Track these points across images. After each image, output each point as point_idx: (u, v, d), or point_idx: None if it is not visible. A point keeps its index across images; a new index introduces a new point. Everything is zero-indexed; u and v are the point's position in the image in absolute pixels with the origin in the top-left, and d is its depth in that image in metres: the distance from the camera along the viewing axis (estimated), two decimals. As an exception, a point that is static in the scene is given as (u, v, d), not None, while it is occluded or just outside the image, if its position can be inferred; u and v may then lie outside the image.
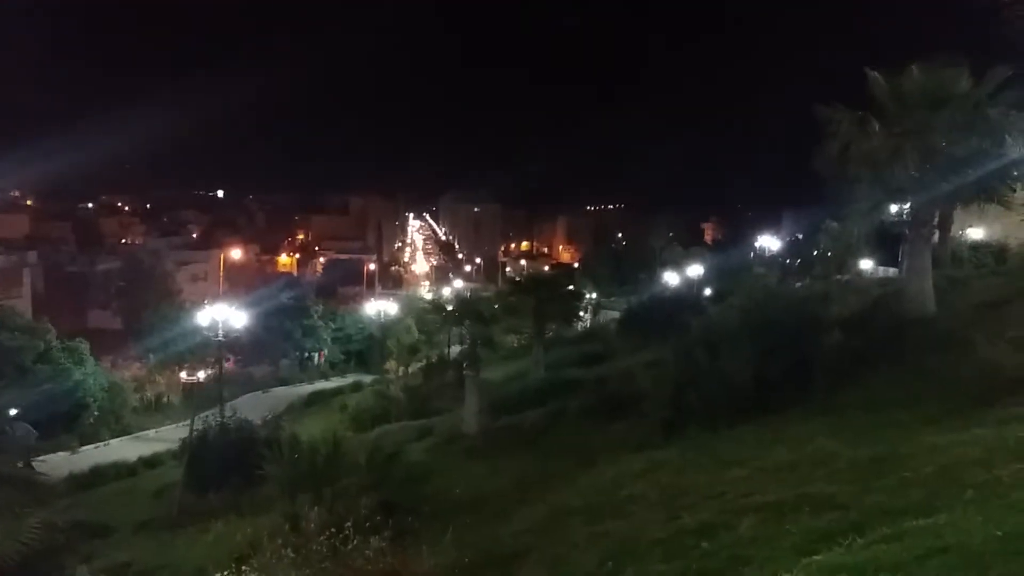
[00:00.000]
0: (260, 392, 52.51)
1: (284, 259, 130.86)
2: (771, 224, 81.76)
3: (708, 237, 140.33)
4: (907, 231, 18.99)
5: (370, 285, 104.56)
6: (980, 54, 17.56)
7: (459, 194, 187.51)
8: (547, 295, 38.06)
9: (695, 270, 58.07)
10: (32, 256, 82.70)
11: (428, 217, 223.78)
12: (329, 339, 64.27)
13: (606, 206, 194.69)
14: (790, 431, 12.39)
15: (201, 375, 53.21)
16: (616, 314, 58.02)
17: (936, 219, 20.07)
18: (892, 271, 34.22)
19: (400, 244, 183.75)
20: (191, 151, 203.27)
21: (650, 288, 59.65)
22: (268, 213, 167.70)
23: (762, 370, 15.09)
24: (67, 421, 40.48)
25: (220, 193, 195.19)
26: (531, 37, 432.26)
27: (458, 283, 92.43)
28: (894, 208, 20.30)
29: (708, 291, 51.11)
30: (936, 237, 21.37)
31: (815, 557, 6.02)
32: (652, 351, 27.79)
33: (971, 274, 26.50)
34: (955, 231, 30.39)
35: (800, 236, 64.98)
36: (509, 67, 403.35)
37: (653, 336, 31.82)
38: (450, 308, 30.86)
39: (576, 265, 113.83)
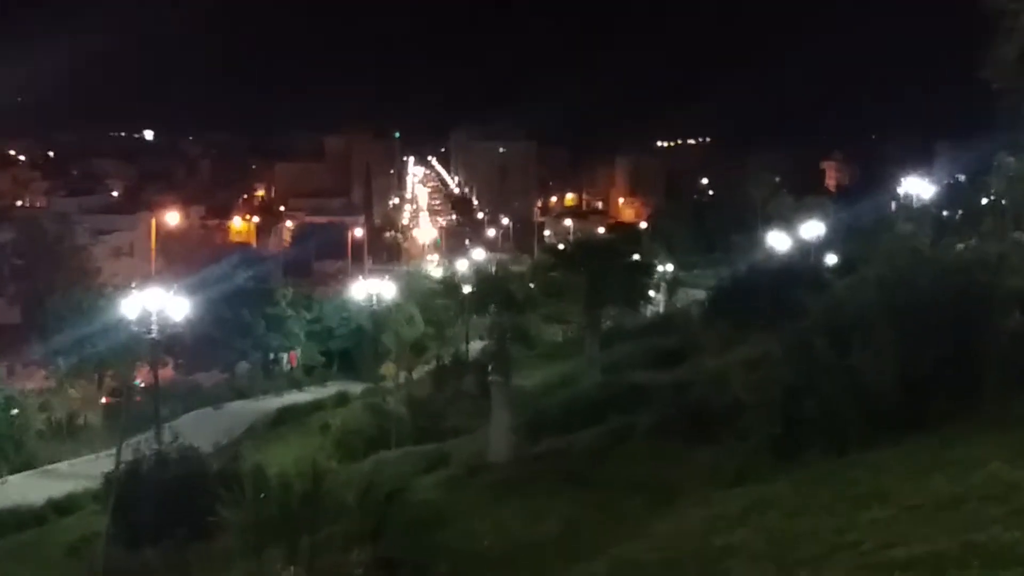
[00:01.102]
0: (210, 408, 53.29)
1: (238, 224, 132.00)
2: (920, 162, 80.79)
3: (831, 182, 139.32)
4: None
5: (357, 258, 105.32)
6: None
7: (477, 129, 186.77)
8: (603, 269, 37.99)
9: (812, 229, 57.53)
10: None
11: (435, 162, 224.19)
12: (303, 334, 64.78)
13: (683, 141, 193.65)
14: (951, 454, 12.28)
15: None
16: (701, 294, 57.90)
17: None
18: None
19: (397, 200, 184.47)
20: (108, 79, 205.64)
21: (749, 256, 59.36)
22: (214, 160, 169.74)
23: (910, 368, 14.95)
24: (-57, 453, 41.29)
25: (149, 135, 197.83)
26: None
27: (478, 253, 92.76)
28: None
29: (832, 259, 50.73)
30: None
31: (989, 631, 5.98)
32: (753, 345, 27.64)
33: None
34: None
35: (962, 178, 64.13)
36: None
37: (754, 324, 31.67)
38: (468, 289, 30.98)
39: (643, 226, 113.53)
